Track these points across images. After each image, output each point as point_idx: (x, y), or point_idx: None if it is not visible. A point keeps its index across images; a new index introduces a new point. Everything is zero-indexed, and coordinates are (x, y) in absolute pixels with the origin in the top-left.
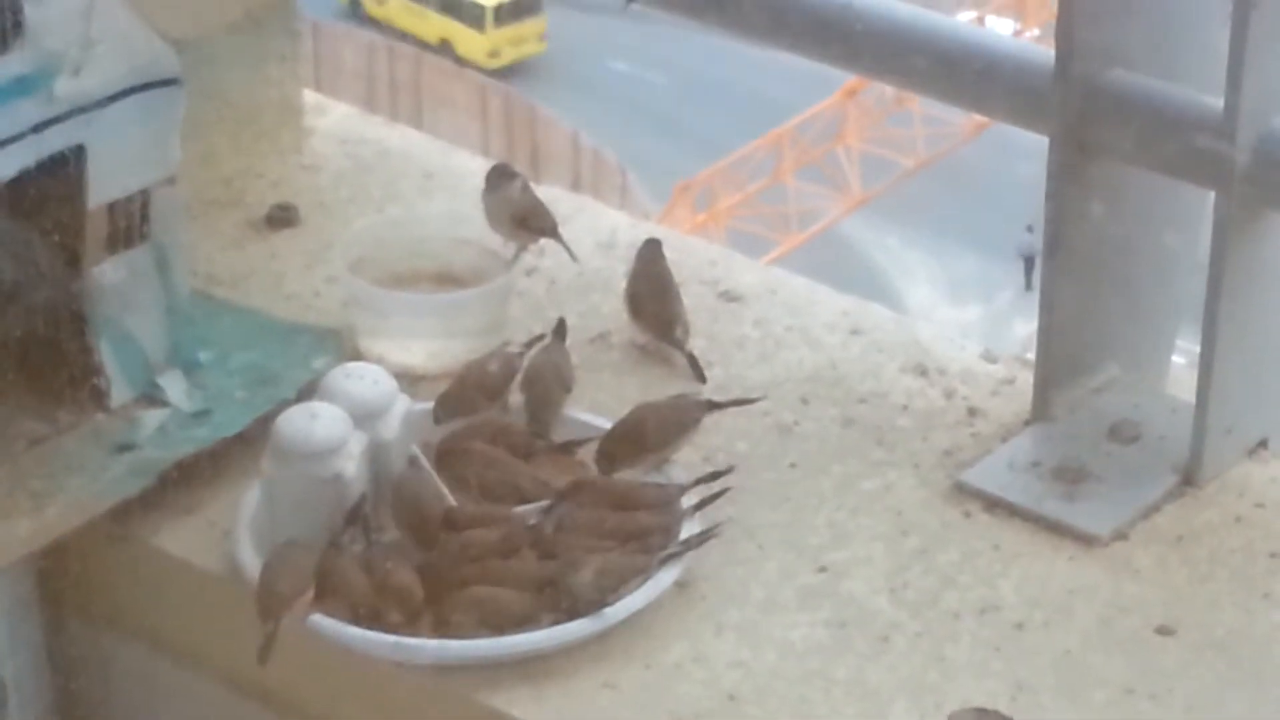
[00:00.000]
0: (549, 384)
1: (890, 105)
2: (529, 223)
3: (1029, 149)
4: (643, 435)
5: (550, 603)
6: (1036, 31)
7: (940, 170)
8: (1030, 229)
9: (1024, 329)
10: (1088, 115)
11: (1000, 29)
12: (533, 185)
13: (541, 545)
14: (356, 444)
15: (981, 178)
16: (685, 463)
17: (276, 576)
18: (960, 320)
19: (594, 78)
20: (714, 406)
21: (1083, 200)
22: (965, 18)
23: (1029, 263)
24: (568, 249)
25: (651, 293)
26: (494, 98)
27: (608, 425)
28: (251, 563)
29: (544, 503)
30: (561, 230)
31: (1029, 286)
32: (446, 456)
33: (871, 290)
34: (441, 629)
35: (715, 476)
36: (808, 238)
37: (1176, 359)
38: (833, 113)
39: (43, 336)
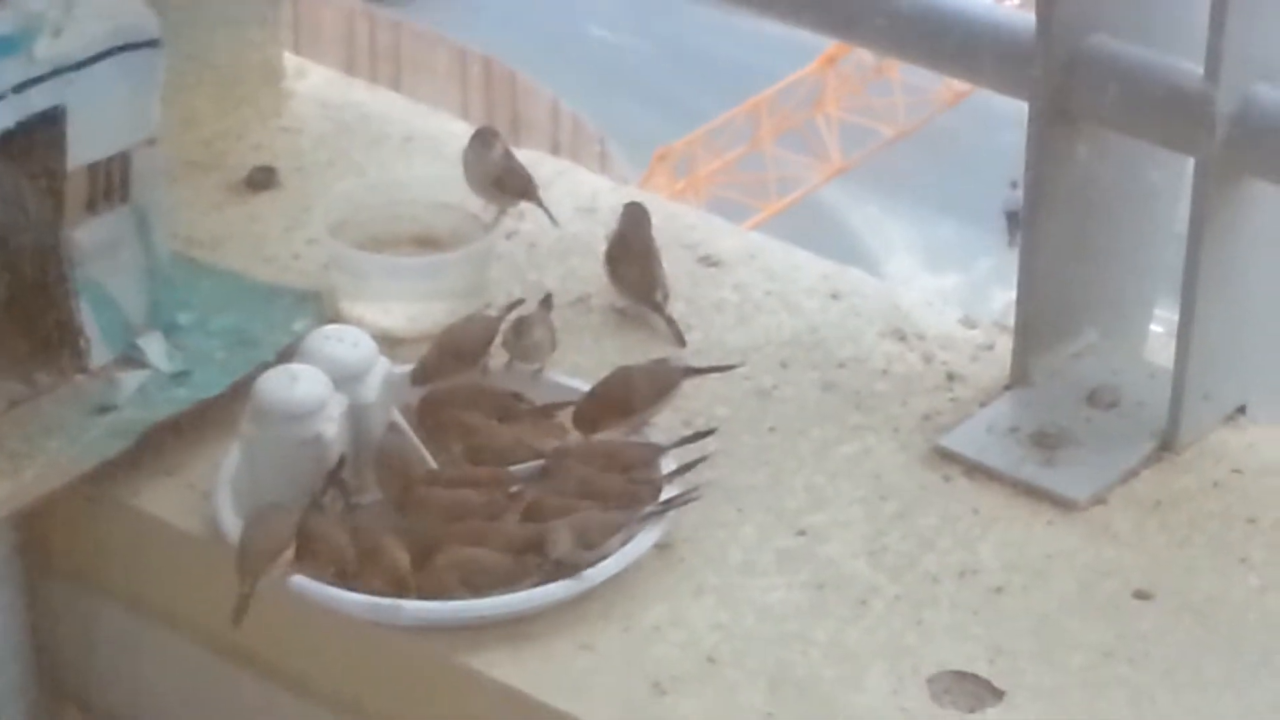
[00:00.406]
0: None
1: (870, 73)
2: (508, 185)
3: (1009, 117)
4: (623, 398)
5: (531, 565)
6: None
7: (920, 138)
8: (1015, 184)
9: (1002, 296)
10: (1068, 81)
11: None
12: (514, 150)
13: (524, 507)
14: (336, 406)
15: (961, 146)
16: (665, 426)
17: (255, 537)
18: (939, 288)
19: (570, 43)
20: (693, 372)
21: (1062, 166)
22: None
23: (1012, 219)
24: (548, 212)
25: (632, 256)
26: (473, 64)
27: (586, 388)
28: (231, 524)
29: (529, 464)
30: (542, 194)
31: (1012, 244)
32: (428, 419)
33: (850, 258)
34: (423, 590)
35: (696, 438)
36: (787, 205)
37: (1154, 328)
38: (812, 80)
39: (21, 298)
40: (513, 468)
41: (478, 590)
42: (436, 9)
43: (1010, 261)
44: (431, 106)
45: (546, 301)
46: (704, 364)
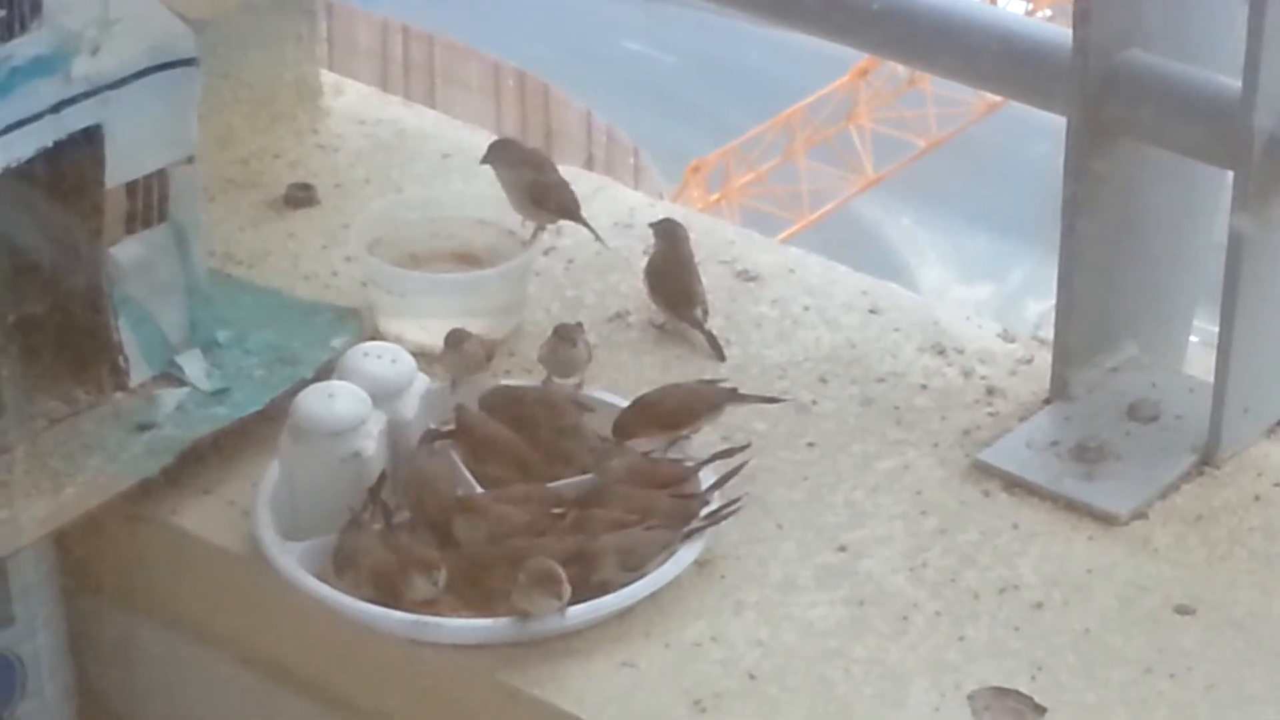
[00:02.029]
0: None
1: (902, 85)
2: (546, 200)
3: (1042, 128)
4: (666, 414)
5: (575, 582)
6: (1049, 12)
7: (952, 150)
8: None
9: (1036, 307)
10: (1105, 95)
11: (1012, 8)
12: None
13: (568, 524)
14: (375, 423)
15: (994, 157)
16: (703, 441)
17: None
18: (973, 299)
19: (604, 57)
20: (739, 398)
21: (1100, 180)
22: None
23: None
24: (589, 227)
25: (671, 272)
26: (507, 78)
27: (625, 404)
28: (271, 542)
29: (570, 481)
30: (583, 210)
31: None
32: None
33: (884, 269)
34: (477, 603)
35: (733, 453)
36: (820, 217)
37: (1193, 339)
38: (844, 93)
39: (62, 315)
40: (554, 484)
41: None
42: (470, 22)
43: (1044, 272)
44: (466, 121)
45: (578, 327)
46: (743, 379)
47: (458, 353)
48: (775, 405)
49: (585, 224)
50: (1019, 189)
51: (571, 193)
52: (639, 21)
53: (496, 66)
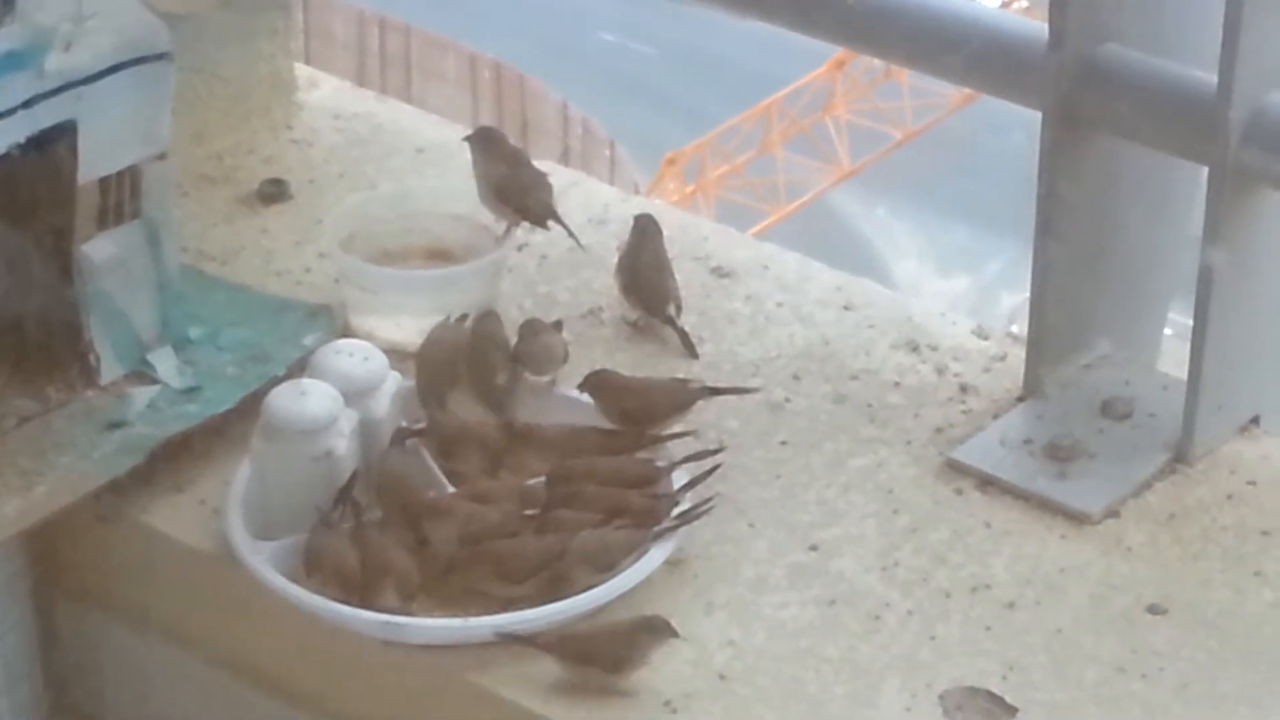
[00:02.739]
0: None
1: (879, 77)
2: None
3: (1018, 120)
4: (638, 409)
5: (547, 581)
6: (1025, 3)
7: (929, 141)
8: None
9: (1011, 300)
10: (1080, 90)
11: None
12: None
13: (539, 523)
14: (347, 421)
15: (970, 149)
16: (678, 441)
17: None
18: (948, 291)
19: (580, 48)
20: (712, 392)
21: (1075, 176)
22: None
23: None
24: (562, 224)
25: (644, 268)
26: (483, 69)
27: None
28: (242, 541)
29: (536, 480)
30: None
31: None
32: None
33: (859, 261)
34: (449, 603)
35: (705, 455)
36: (796, 208)
37: (1167, 331)
38: (821, 84)
39: (33, 312)
40: (527, 483)
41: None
42: (447, 14)
43: (1019, 264)
44: (442, 113)
45: (558, 325)
46: (716, 376)
47: (536, 344)
48: (748, 402)
49: (561, 223)
50: (995, 181)
51: (543, 196)
52: (615, 12)
53: (473, 58)
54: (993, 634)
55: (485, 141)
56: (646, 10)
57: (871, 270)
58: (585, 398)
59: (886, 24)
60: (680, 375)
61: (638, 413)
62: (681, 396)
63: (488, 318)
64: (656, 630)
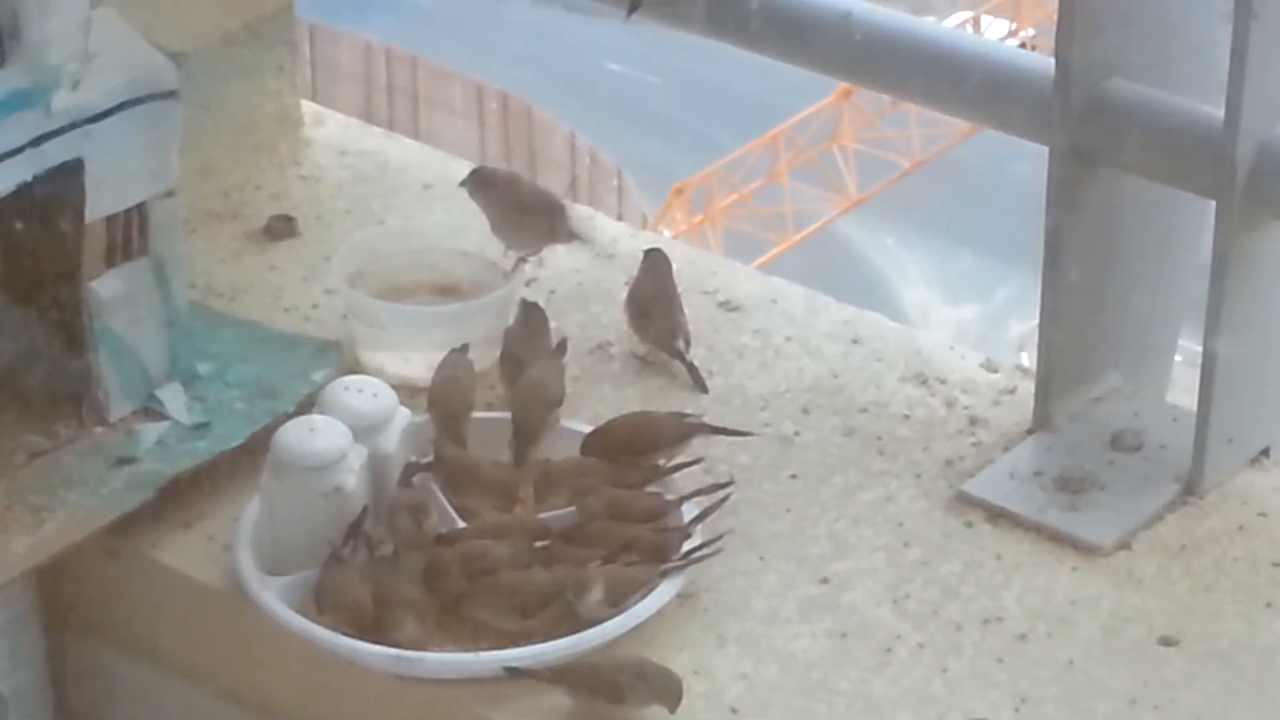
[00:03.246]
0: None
1: (886, 106)
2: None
3: (1024, 149)
4: (635, 441)
5: (558, 616)
6: (1031, 31)
7: (936, 170)
8: None
9: (1019, 328)
10: (1088, 125)
11: (995, 29)
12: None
13: (548, 557)
14: (356, 457)
15: (977, 177)
16: (687, 473)
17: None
18: (956, 319)
19: (588, 79)
20: (709, 430)
21: (1082, 209)
22: (960, 18)
23: None
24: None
25: (653, 303)
26: (490, 100)
27: None
28: (252, 577)
29: (549, 514)
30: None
31: None
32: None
33: (868, 290)
34: (461, 638)
35: (716, 488)
36: (804, 238)
37: (1177, 359)
38: (828, 114)
39: (42, 350)
40: (540, 515)
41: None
42: (454, 44)
43: (1027, 292)
44: (449, 144)
45: (561, 346)
46: (725, 410)
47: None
48: (757, 438)
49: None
50: (1002, 209)
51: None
52: (622, 42)
53: (480, 89)
54: (1004, 666)
55: (481, 183)
56: (654, 40)
57: (880, 299)
58: (588, 430)
59: (892, 59)
60: (689, 410)
61: (633, 442)
62: (678, 429)
63: (547, 368)
64: (664, 691)
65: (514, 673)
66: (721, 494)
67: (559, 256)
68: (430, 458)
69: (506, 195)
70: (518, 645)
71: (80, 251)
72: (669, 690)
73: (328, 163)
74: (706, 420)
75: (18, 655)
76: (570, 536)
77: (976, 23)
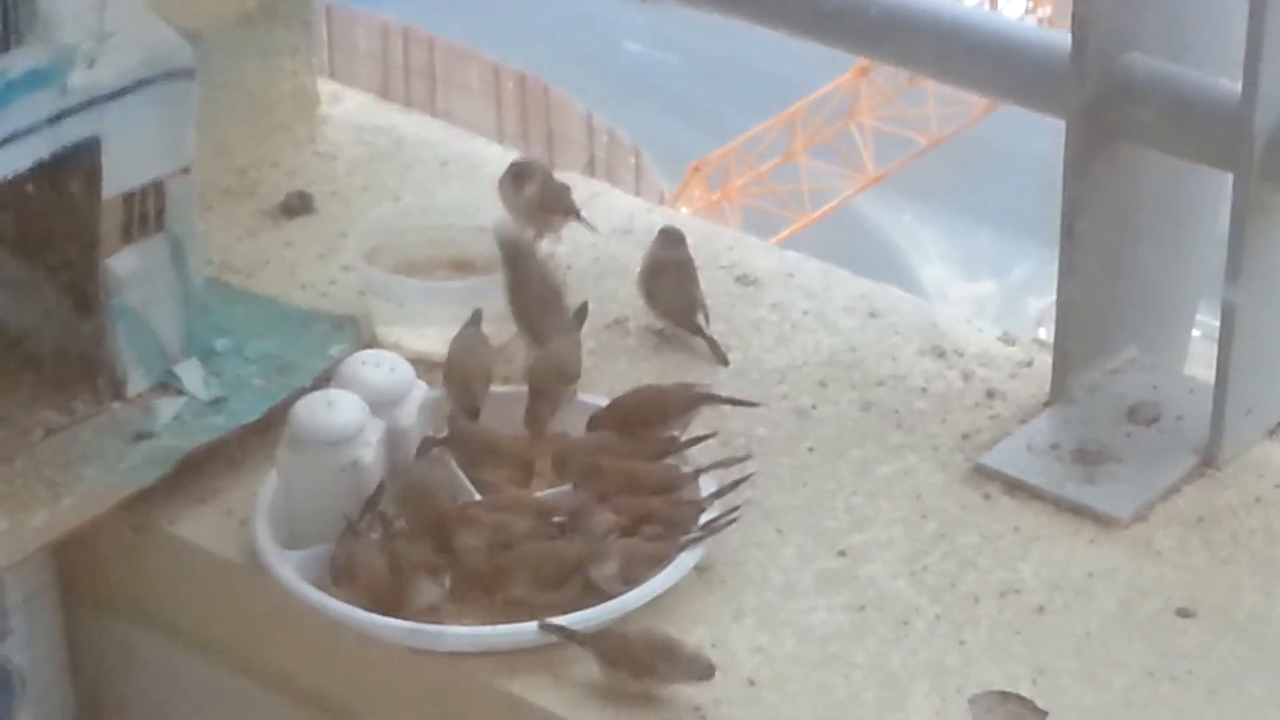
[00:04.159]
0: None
1: (903, 83)
2: (547, 210)
3: (1042, 126)
4: (641, 415)
5: (576, 589)
6: (1048, 10)
7: (954, 147)
8: None
9: (1038, 304)
10: (1104, 99)
11: (1012, 9)
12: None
13: (564, 530)
14: (373, 431)
15: (995, 154)
16: (705, 447)
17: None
18: (974, 296)
19: (605, 58)
20: (712, 399)
21: (1099, 183)
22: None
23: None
24: (588, 225)
25: (669, 278)
26: (507, 80)
27: None
28: (269, 551)
29: (564, 489)
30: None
31: None
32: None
33: (885, 267)
34: (478, 613)
35: (733, 462)
36: (821, 215)
37: (1195, 333)
38: (845, 91)
39: (60, 326)
40: (548, 493)
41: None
42: (471, 24)
43: (1045, 269)
44: (467, 122)
45: (582, 311)
46: (744, 384)
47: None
48: (775, 410)
49: (584, 220)
50: (1020, 186)
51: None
52: (639, 21)
53: (497, 69)
54: (1022, 638)
55: (512, 177)
56: (671, 19)
57: (897, 275)
58: (604, 403)
59: (909, 34)
60: (708, 383)
61: (640, 416)
62: (685, 399)
63: (565, 344)
64: (695, 668)
65: (548, 629)
66: (739, 468)
67: (576, 232)
68: (446, 432)
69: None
70: (534, 619)
71: (97, 228)
72: (696, 668)
73: (344, 140)
74: (710, 390)
75: (34, 631)
76: (585, 510)
77: (994, 3)
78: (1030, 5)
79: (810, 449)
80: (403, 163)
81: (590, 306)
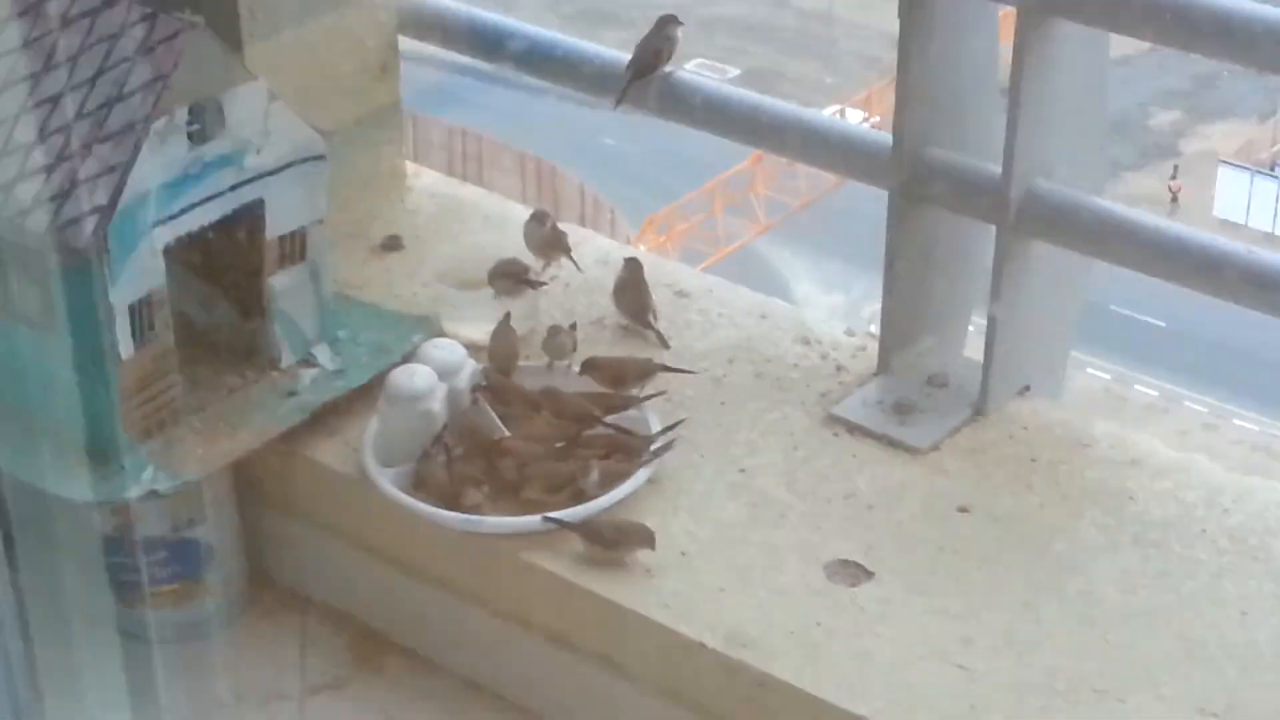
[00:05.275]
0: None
1: (784, 165)
2: (555, 247)
3: (874, 194)
4: (617, 374)
5: (570, 495)
6: (878, 118)
7: (817, 207)
8: None
9: (870, 308)
10: (913, 177)
11: (855, 117)
12: (558, 223)
13: (562, 455)
14: (440, 391)
15: (844, 212)
16: (655, 402)
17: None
18: (829, 304)
19: (591, 149)
20: (666, 368)
21: (909, 232)
22: (831, 109)
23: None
24: (575, 264)
25: (631, 291)
26: (528, 162)
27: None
28: (373, 469)
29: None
30: (574, 253)
31: None
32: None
33: (772, 286)
34: (510, 509)
35: (675, 426)
36: (731, 251)
37: (969, 328)
38: (747, 170)
39: (240, 320)
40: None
41: (555, 491)
42: (505, 127)
43: (876, 287)
44: (501, 192)
45: (573, 327)
46: (678, 360)
47: (557, 340)
48: (699, 378)
49: (573, 261)
50: (860, 233)
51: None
52: (614, 125)
53: (521, 155)
54: (858, 524)
55: (534, 220)
56: (632, 123)
57: (780, 290)
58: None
59: (786, 133)
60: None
61: (615, 378)
62: (645, 368)
63: (564, 333)
64: (645, 539)
65: (549, 521)
66: (677, 430)
67: (572, 262)
68: (485, 384)
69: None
70: (542, 514)
71: (262, 258)
72: (645, 539)
73: (423, 202)
74: (664, 363)
75: (220, 521)
76: (577, 442)
77: (842, 112)
78: (866, 115)
79: (722, 403)
80: (462, 217)
81: (580, 310)
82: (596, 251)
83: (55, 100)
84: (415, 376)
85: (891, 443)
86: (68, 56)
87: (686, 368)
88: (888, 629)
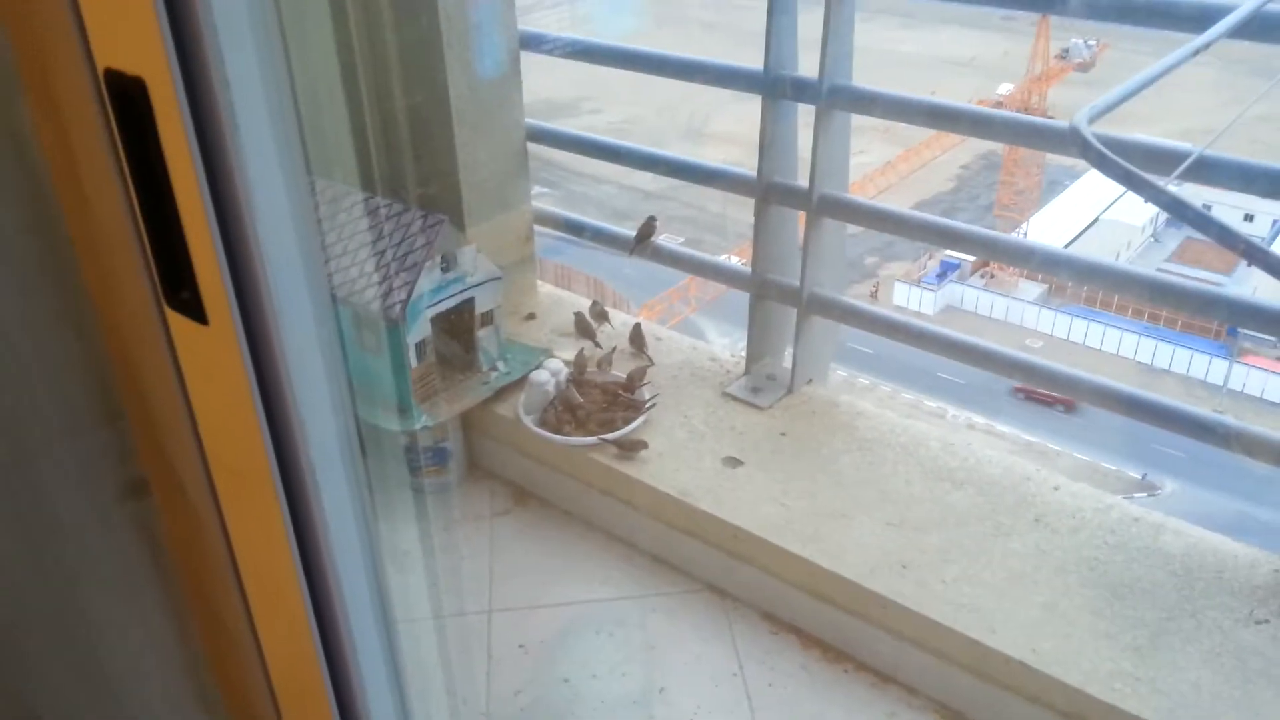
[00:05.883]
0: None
1: (704, 282)
2: (601, 318)
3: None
4: (631, 374)
5: (609, 427)
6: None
7: (721, 300)
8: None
9: (741, 345)
10: (767, 195)
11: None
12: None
13: (609, 408)
14: (551, 382)
15: (731, 303)
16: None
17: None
18: (723, 343)
19: (605, 261)
20: (651, 362)
21: (763, 221)
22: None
23: None
24: (610, 325)
25: (636, 337)
26: (589, 278)
27: (620, 376)
28: (525, 417)
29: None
30: (608, 319)
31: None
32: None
33: (698, 334)
34: (588, 433)
35: (654, 397)
36: (679, 319)
37: (788, 350)
38: (687, 283)
39: (462, 346)
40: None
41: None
42: (579, 262)
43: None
44: (576, 294)
45: (613, 350)
46: (656, 372)
47: (604, 356)
48: (665, 374)
49: (609, 324)
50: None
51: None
52: (630, 262)
53: (585, 276)
54: (738, 441)
55: (593, 305)
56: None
57: (701, 336)
58: (621, 375)
59: (714, 180)
60: (646, 367)
61: (630, 377)
62: (643, 371)
63: (606, 353)
64: (643, 446)
65: (603, 441)
66: (654, 395)
67: (609, 324)
68: (571, 379)
69: (596, 311)
70: (599, 435)
71: (473, 325)
72: (643, 446)
73: (543, 298)
74: (651, 367)
75: (455, 439)
76: (613, 404)
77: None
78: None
79: (676, 388)
80: (559, 304)
81: (613, 349)
82: (619, 319)
83: (382, 252)
84: (540, 374)
85: (751, 405)
86: (389, 231)
87: (658, 373)
88: (749, 487)
